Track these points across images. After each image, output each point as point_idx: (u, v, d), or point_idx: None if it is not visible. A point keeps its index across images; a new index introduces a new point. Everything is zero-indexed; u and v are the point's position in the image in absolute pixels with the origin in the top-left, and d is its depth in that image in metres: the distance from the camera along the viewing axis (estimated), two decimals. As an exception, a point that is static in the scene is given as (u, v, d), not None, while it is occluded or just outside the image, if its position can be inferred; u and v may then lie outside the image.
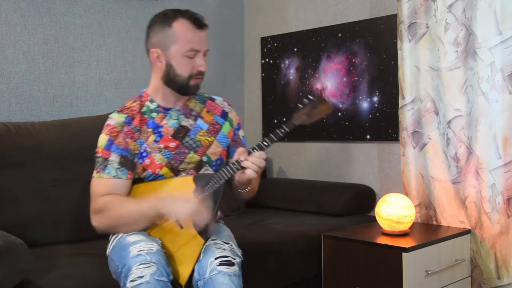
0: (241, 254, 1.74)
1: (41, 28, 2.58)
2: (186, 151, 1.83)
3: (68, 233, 2.21)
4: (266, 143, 1.72)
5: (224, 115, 1.95)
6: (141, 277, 1.52)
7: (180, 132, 1.84)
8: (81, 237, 2.19)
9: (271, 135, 1.73)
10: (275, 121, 3.29)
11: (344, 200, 2.75)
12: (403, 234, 2.28)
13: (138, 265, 1.54)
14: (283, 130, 1.73)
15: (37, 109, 2.57)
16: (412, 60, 2.51)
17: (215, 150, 1.88)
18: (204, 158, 1.85)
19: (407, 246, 2.09)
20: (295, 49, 3.18)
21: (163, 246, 1.68)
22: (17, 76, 2.51)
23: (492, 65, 2.27)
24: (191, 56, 1.77)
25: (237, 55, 3.46)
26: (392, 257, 2.10)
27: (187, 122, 1.86)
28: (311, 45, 3.10)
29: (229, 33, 3.41)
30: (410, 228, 2.33)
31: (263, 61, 3.36)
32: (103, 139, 1.79)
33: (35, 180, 2.20)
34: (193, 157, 1.83)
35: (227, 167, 1.72)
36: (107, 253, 1.75)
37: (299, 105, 1.78)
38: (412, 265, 2.10)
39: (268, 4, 3.36)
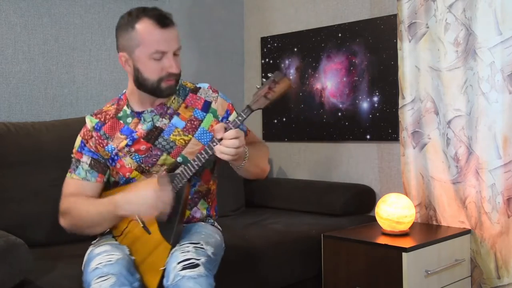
0: (212, 253, 1.65)
1: (41, 28, 2.58)
2: (159, 153, 1.76)
3: (68, 233, 2.20)
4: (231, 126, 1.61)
5: (206, 106, 1.81)
6: None
7: (153, 134, 1.76)
8: (81, 237, 2.18)
9: (229, 124, 1.62)
10: (275, 121, 3.29)
11: (344, 200, 2.75)
12: (403, 234, 2.28)
13: (96, 279, 1.51)
14: (240, 118, 1.62)
15: (37, 109, 2.57)
16: (412, 60, 2.51)
17: (193, 149, 1.77)
18: (179, 159, 1.77)
19: (407, 246, 2.09)
20: (295, 49, 3.18)
21: (133, 254, 1.66)
22: (17, 76, 2.51)
23: (492, 65, 2.27)
24: (157, 58, 1.65)
25: (237, 55, 3.46)
26: (392, 257, 2.10)
27: (161, 123, 1.77)
28: (311, 45, 3.10)
29: (229, 33, 3.41)
30: (410, 228, 2.33)
31: (263, 61, 3.36)
32: (77, 141, 1.82)
33: (35, 180, 2.20)
34: (166, 159, 1.76)
35: (198, 155, 1.64)
36: (82, 267, 1.69)
37: (257, 86, 1.65)
38: (412, 265, 2.10)
39: (268, 4, 3.36)
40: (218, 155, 1.60)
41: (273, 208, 2.97)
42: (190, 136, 1.78)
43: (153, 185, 1.62)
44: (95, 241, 1.80)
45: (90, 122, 1.81)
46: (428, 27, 2.46)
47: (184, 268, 1.54)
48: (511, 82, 2.24)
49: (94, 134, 1.78)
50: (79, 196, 1.74)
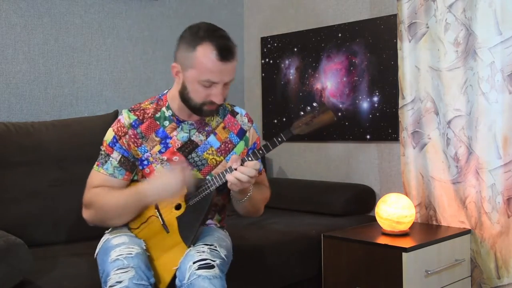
0: (225, 256, 1.69)
1: (41, 28, 2.58)
2: (189, 167, 1.77)
3: (68, 233, 2.21)
4: (261, 152, 1.67)
5: (241, 133, 1.87)
6: (120, 282, 1.50)
7: (188, 147, 1.78)
8: (81, 237, 2.19)
9: (268, 144, 1.67)
10: (275, 121, 3.29)
11: (344, 200, 2.75)
12: (403, 234, 2.28)
13: (116, 270, 1.53)
14: (280, 139, 1.67)
15: (37, 109, 2.57)
16: (412, 60, 2.51)
17: (221, 170, 1.79)
18: (208, 178, 1.78)
19: (407, 246, 2.09)
20: (295, 49, 3.18)
21: (147, 249, 1.67)
22: (17, 76, 2.51)
23: (492, 65, 2.27)
24: (207, 85, 1.66)
25: (237, 55, 3.45)
26: (392, 257, 2.10)
27: (197, 138, 1.79)
28: (311, 45, 3.10)
29: (229, 33, 3.39)
30: (410, 228, 2.33)
31: (263, 61, 3.36)
32: (109, 134, 1.77)
33: (35, 180, 2.20)
34: (195, 174, 1.78)
35: (219, 174, 1.69)
36: (95, 255, 1.73)
37: (301, 113, 1.74)
38: (412, 265, 2.10)
39: (268, 4, 3.36)
40: (230, 178, 1.65)
41: (273, 208, 2.96)
42: (222, 158, 1.82)
43: (176, 170, 1.66)
44: (109, 230, 1.79)
45: (128, 118, 1.76)
46: (428, 27, 2.46)
47: (200, 268, 1.57)
48: (511, 82, 2.24)
49: (130, 131, 1.75)
50: (102, 188, 1.73)
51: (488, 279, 2.34)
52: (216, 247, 1.68)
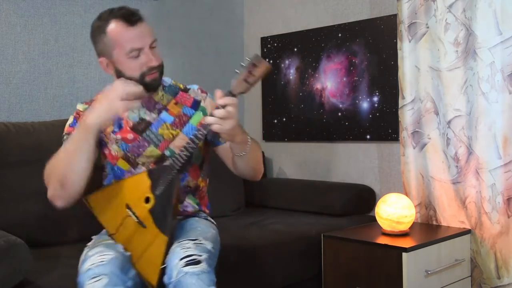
0: (212, 248, 1.66)
1: (41, 28, 2.58)
2: (146, 144, 1.79)
3: (68, 233, 2.21)
4: (201, 133, 1.63)
5: (196, 104, 1.87)
6: None
7: (141, 125, 1.80)
8: (81, 237, 2.18)
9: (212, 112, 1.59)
10: (275, 121, 3.29)
11: (344, 200, 2.75)
12: (403, 234, 2.28)
13: (89, 280, 1.51)
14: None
15: (37, 109, 2.57)
16: (412, 60, 2.51)
17: (180, 143, 1.79)
18: (167, 152, 1.80)
19: (407, 246, 2.09)
20: (295, 49, 3.18)
21: (129, 251, 1.65)
22: (17, 76, 2.51)
23: (492, 65, 2.27)
24: (135, 55, 1.70)
25: (237, 55, 3.46)
26: (392, 257, 2.10)
27: (149, 116, 1.81)
28: (311, 45, 3.10)
29: (229, 33, 3.41)
30: (410, 228, 2.33)
31: (263, 61, 3.35)
32: (69, 119, 1.84)
33: (35, 180, 2.18)
34: (153, 151, 1.79)
35: (176, 155, 1.66)
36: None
37: (236, 70, 1.61)
38: (412, 265, 2.10)
39: (268, 4, 3.36)
40: (209, 120, 1.57)
41: (273, 208, 2.97)
42: (178, 131, 1.83)
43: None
44: (90, 243, 1.78)
45: (82, 107, 1.84)
46: (428, 27, 2.46)
47: (187, 264, 1.55)
48: (511, 82, 2.24)
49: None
50: None
51: (488, 279, 2.34)
52: (201, 240, 1.65)
